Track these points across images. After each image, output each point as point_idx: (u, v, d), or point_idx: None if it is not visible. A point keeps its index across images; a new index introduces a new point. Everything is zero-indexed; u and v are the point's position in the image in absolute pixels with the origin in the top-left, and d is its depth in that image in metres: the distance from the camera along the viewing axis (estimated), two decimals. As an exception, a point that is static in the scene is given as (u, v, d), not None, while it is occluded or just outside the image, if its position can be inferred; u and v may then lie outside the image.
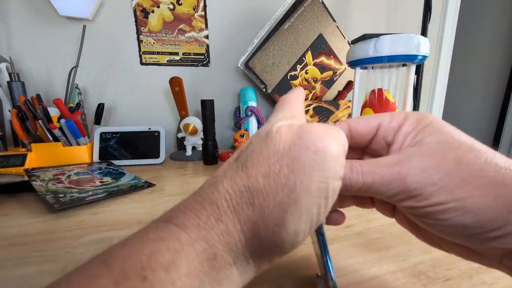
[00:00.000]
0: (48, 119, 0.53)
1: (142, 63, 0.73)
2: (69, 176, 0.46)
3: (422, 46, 0.43)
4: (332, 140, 0.13)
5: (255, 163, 0.13)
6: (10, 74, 0.60)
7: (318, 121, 0.73)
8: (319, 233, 0.17)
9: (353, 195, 0.15)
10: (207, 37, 0.76)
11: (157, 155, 0.61)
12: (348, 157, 0.15)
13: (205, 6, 0.74)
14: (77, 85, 0.64)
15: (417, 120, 0.15)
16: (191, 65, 0.77)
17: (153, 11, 0.70)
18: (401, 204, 0.14)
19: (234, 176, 0.13)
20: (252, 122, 0.73)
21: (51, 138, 0.55)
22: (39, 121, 0.53)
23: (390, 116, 0.16)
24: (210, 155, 0.59)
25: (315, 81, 0.78)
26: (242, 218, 0.12)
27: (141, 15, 0.70)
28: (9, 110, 0.60)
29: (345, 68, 0.79)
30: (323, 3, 0.72)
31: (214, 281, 0.11)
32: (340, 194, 0.15)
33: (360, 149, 0.18)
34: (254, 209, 0.12)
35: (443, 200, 0.13)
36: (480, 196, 0.12)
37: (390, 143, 0.16)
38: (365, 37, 0.46)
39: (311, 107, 0.73)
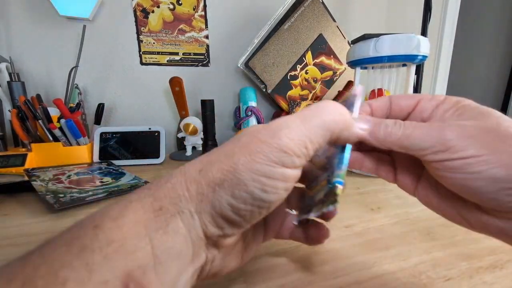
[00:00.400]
0: (48, 119, 0.53)
1: (142, 63, 0.73)
2: (69, 176, 0.46)
3: (422, 46, 0.43)
4: (284, 135, 0.14)
5: (216, 148, 0.16)
6: (10, 74, 0.60)
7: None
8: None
9: (387, 149, 0.17)
10: (207, 37, 0.76)
11: (157, 155, 0.61)
12: None
13: (205, 6, 0.74)
14: (77, 85, 0.64)
15: (456, 100, 0.16)
16: (191, 65, 0.77)
17: (153, 11, 0.70)
18: (434, 157, 0.15)
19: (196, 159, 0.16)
20: (252, 122, 0.73)
21: (51, 138, 0.55)
22: (39, 121, 0.53)
23: (431, 96, 0.18)
24: (210, 155, 0.59)
25: (315, 81, 0.78)
26: (188, 179, 0.14)
27: (141, 15, 0.70)
28: (9, 110, 0.60)
29: (345, 68, 0.79)
30: (323, 3, 0.72)
31: (160, 228, 0.13)
32: (371, 149, 0.18)
33: None
34: (201, 173, 0.14)
35: (478, 153, 0.13)
36: None
37: (426, 119, 0.17)
38: (365, 37, 0.46)
39: (311, 107, 0.72)
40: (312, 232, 0.21)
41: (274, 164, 0.13)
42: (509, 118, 0.15)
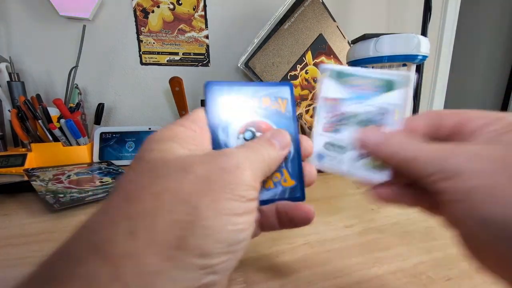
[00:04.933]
0: (48, 119, 0.53)
1: (142, 63, 0.73)
2: (69, 176, 0.46)
3: (422, 46, 0.43)
4: (244, 170, 0.13)
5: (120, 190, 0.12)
6: (10, 74, 0.60)
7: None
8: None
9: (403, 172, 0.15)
10: (207, 37, 0.76)
11: (157, 155, 0.61)
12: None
13: (205, 6, 0.74)
14: (77, 85, 0.64)
15: (509, 123, 0.14)
16: (191, 65, 0.77)
17: (153, 11, 0.70)
18: (433, 186, 0.14)
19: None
20: (252, 122, 0.73)
21: (51, 138, 0.55)
22: (39, 121, 0.53)
23: (479, 113, 0.15)
24: (210, 155, 0.59)
25: (315, 81, 0.78)
26: (114, 264, 0.10)
27: (141, 15, 0.70)
28: (9, 110, 0.60)
29: (345, 68, 0.79)
30: (323, 3, 0.72)
31: None
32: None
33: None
34: (135, 242, 0.10)
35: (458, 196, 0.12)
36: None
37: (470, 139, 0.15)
38: (365, 37, 0.46)
39: (311, 107, 0.72)
40: (295, 214, 0.18)
41: (240, 198, 0.12)
42: None
